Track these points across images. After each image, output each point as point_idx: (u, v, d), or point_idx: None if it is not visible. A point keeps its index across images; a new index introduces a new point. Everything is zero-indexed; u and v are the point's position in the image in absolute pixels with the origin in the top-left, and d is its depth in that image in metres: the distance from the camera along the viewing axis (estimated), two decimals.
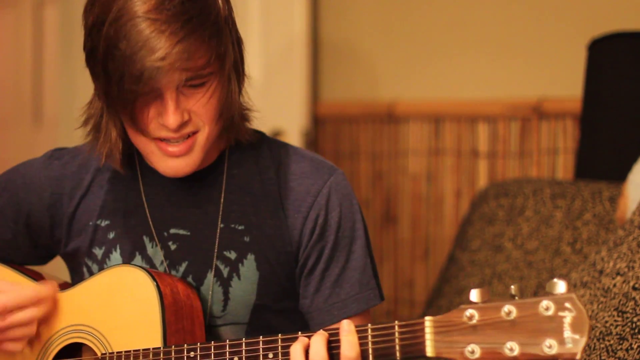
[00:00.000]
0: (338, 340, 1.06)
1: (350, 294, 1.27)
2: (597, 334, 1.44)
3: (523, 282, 1.95)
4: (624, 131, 2.05)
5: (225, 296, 1.27)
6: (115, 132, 1.23)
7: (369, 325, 1.04)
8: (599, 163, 2.09)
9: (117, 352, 1.21)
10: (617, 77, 2.08)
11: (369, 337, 1.04)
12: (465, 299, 1.99)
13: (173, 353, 1.16)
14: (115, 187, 1.31)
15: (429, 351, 0.98)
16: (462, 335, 0.95)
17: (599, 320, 1.45)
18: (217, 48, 1.15)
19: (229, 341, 1.13)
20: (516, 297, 0.94)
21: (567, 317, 0.90)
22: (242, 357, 1.12)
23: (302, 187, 1.27)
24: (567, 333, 0.90)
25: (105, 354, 1.22)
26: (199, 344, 1.15)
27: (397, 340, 1.01)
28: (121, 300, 1.23)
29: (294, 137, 2.58)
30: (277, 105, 2.54)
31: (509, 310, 0.92)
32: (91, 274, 1.30)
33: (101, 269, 1.29)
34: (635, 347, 1.39)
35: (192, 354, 1.15)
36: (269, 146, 1.32)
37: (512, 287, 0.94)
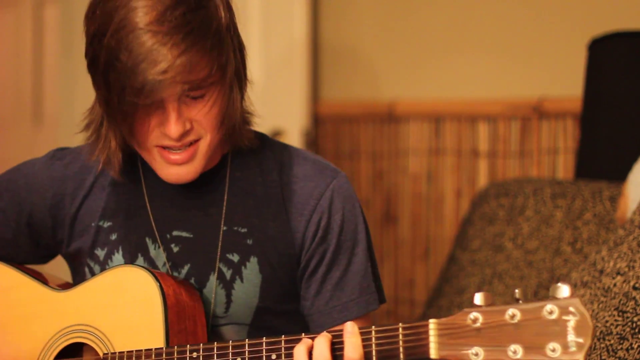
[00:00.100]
0: (342, 342, 1.07)
1: (351, 297, 1.27)
2: (598, 333, 1.44)
3: (523, 281, 1.95)
4: (624, 131, 2.06)
5: (227, 298, 1.27)
6: (114, 141, 1.23)
7: (373, 327, 1.05)
8: (599, 163, 2.09)
9: (119, 352, 1.21)
10: (617, 76, 2.08)
11: (373, 339, 1.04)
12: (466, 299, 2.00)
13: (175, 354, 1.16)
14: (118, 189, 1.31)
15: (433, 354, 0.98)
16: (466, 338, 0.95)
17: (600, 320, 1.45)
18: (218, 58, 1.15)
19: (232, 342, 1.13)
20: (520, 301, 0.94)
21: (571, 321, 0.90)
22: (245, 358, 1.12)
23: (305, 189, 1.27)
24: (571, 337, 0.90)
25: (107, 354, 1.22)
26: (201, 344, 1.15)
27: (400, 343, 1.01)
28: (124, 301, 1.23)
29: (294, 136, 2.58)
30: (277, 104, 2.54)
31: (513, 313, 0.93)
32: (93, 274, 1.30)
33: (103, 270, 1.29)
34: (635, 346, 1.39)
35: (194, 354, 1.15)
36: (271, 148, 1.32)
37: (517, 290, 0.94)
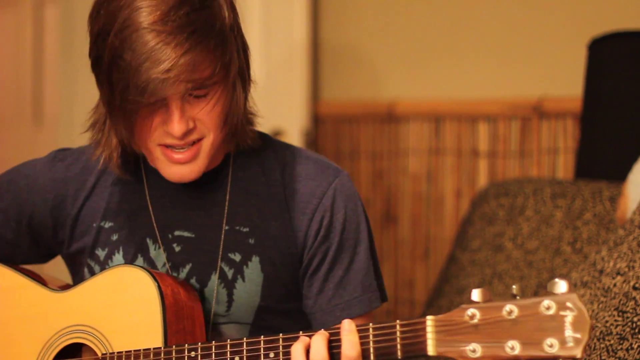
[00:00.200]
0: (339, 340, 1.07)
1: (353, 295, 1.27)
2: (598, 333, 1.44)
3: (523, 281, 1.95)
4: (624, 131, 2.06)
5: (229, 298, 1.27)
6: (116, 139, 1.23)
7: (370, 324, 1.05)
8: (599, 162, 2.09)
9: (118, 352, 1.21)
10: (618, 76, 2.08)
11: (370, 336, 1.04)
12: (466, 299, 1.99)
13: (174, 353, 1.16)
14: (120, 189, 1.31)
15: (431, 350, 0.98)
16: (464, 335, 0.95)
17: (599, 320, 1.45)
18: (222, 58, 1.15)
19: (230, 341, 1.13)
20: (517, 297, 0.94)
21: (569, 316, 0.90)
22: (243, 356, 1.12)
23: (307, 188, 1.27)
24: (568, 332, 0.90)
25: (105, 354, 1.22)
26: (199, 343, 1.15)
27: (398, 340, 1.01)
28: (122, 301, 1.23)
29: (294, 136, 2.58)
30: (277, 104, 2.54)
31: (510, 309, 0.93)
32: (93, 274, 1.30)
33: (103, 270, 1.29)
34: (635, 347, 1.39)
35: (193, 353, 1.15)
36: (273, 148, 1.32)
37: (514, 286, 0.94)
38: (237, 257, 1.27)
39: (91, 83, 1.22)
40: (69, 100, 2.70)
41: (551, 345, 0.90)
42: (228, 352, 1.12)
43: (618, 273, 1.48)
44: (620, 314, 1.43)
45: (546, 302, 0.90)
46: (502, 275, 1.99)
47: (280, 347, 1.10)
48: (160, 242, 1.28)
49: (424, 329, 0.99)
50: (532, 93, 2.33)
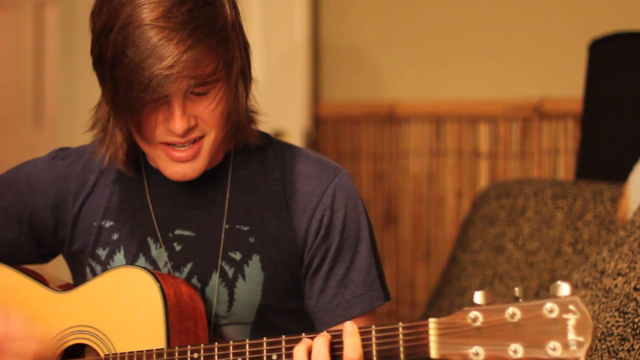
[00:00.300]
0: (341, 342, 1.06)
1: (355, 294, 1.27)
2: (599, 334, 1.44)
3: (524, 282, 1.95)
4: (625, 131, 2.06)
5: (230, 297, 1.27)
6: (121, 137, 1.24)
7: (373, 327, 1.05)
8: (600, 163, 2.09)
9: (121, 353, 1.21)
10: (618, 77, 2.09)
11: (373, 338, 1.04)
12: (467, 300, 2.00)
13: (176, 354, 1.16)
14: (120, 188, 1.31)
15: (433, 353, 0.98)
16: (466, 337, 0.95)
17: (601, 321, 1.45)
18: (224, 55, 1.16)
19: (233, 342, 1.13)
20: (520, 300, 0.94)
21: (571, 319, 0.90)
22: (245, 358, 1.12)
23: (307, 187, 1.28)
24: (571, 335, 0.90)
25: (108, 355, 1.22)
26: (202, 345, 1.15)
27: (401, 342, 1.01)
28: (124, 302, 1.23)
29: (295, 137, 2.58)
30: (278, 105, 2.54)
31: (513, 312, 0.93)
32: (94, 274, 1.30)
33: (104, 269, 1.30)
34: (636, 347, 1.39)
35: (195, 355, 1.15)
36: (273, 147, 1.32)
37: (516, 289, 0.94)
38: (237, 256, 1.27)
39: (92, 84, 1.22)
40: (70, 101, 2.70)
41: (554, 348, 0.90)
42: (231, 354, 1.12)
43: (619, 274, 1.48)
44: (622, 314, 1.43)
45: (549, 304, 0.90)
46: (503, 276, 1.99)
47: (283, 348, 1.10)
48: (161, 241, 1.29)
49: (426, 332, 0.99)
50: (532, 94, 2.33)
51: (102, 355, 1.23)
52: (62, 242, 1.34)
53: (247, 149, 1.30)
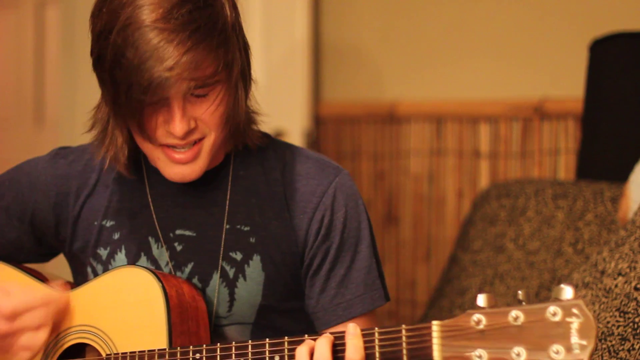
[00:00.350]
0: (344, 344, 1.06)
1: (355, 294, 1.27)
2: (599, 334, 1.44)
3: (525, 282, 1.95)
4: (625, 131, 2.06)
5: (230, 297, 1.27)
6: (121, 138, 1.23)
7: (376, 328, 1.05)
8: (600, 163, 2.09)
9: (122, 353, 1.21)
10: (619, 77, 2.09)
11: (376, 340, 1.04)
12: (467, 300, 2.00)
13: (179, 354, 1.16)
14: (121, 188, 1.31)
15: (436, 356, 0.98)
16: (470, 340, 0.95)
17: (601, 321, 1.45)
18: (224, 56, 1.15)
19: (235, 343, 1.13)
20: (523, 303, 0.94)
21: (575, 322, 0.90)
22: (248, 359, 1.12)
23: (307, 187, 1.28)
24: (575, 339, 0.90)
25: (110, 354, 1.22)
26: (204, 345, 1.15)
27: (404, 345, 1.01)
28: (127, 302, 1.23)
29: (295, 137, 2.58)
30: (279, 105, 2.54)
31: (516, 315, 0.93)
32: (95, 274, 1.30)
33: (106, 269, 1.30)
34: (637, 347, 1.40)
35: (197, 355, 1.15)
36: (274, 147, 1.32)
37: (520, 292, 0.94)
38: (238, 256, 1.27)
39: (92, 84, 1.22)
40: (70, 101, 2.71)
41: (557, 351, 0.90)
42: (233, 355, 1.13)
43: (619, 274, 1.48)
44: (622, 314, 1.43)
45: (552, 308, 0.91)
46: (504, 276, 1.99)
47: (286, 350, 1.10)
48: (162, 240, 1.29)
49: (429, 334, 0.99)
50: (533, 94, 2.33)
51: (103, 355, 1.23)
52: (63, 241, 1.34)
53: (247, 149, 1.30)
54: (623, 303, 1.44)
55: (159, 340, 1.19)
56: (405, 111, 2.55)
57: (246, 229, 1.27)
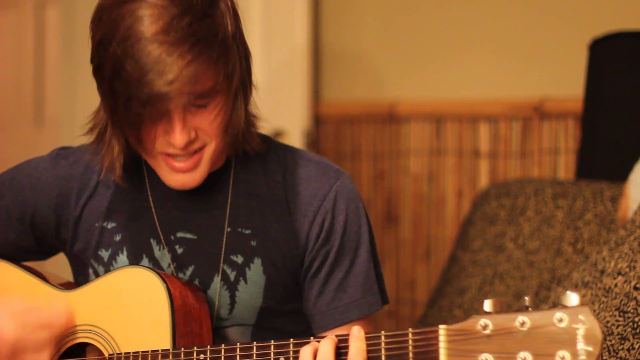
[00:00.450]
0: (347, 347, 1.07)
1: (353, 298, 1.27)
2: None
3: (524, 282, 1.95)
4: (625, 131, 2.06)
5: (231, 300, 1.27)
6: (118, 147, 1.23)
7: (383, 332, 1.05)
8: (600, 163, 2.10)
9: (125, 353, 1.21)
10: (619, 77, 2.09)
11: (382, 343, 1.04)
12: (467, 299, 2.01)
13: (182, 355, 1.16)
14: (122, 189, 1.31)
15: None
16: (476, 345, 0.95)
17: (601, 320, 1.46)
18: (225, 68, 1.15)
19: (240, 344, 1.13)
20: (530, 308, 0.95)
21: (581, 329, 0.91)
22: None
23: (308, 191, 1.28)
24: (580, 345, 0.91)
25: (112, 354, 1.22)
26: (209, 346, 1.15)
27: (410, 348, 1.02)
28: (130, 302, 1.23)
29: (295, 137, 2.58)
30: (278, 105, 2.54)
31: (522, 321, 0.93)
32: (97, 275, 1.31)
33: (107, 270, 1.30)
34: (636, 347, 1.40)
35: (201, 356, 1.15)
36: (275, 150, 1.32)
37: (526, 298, 0.95)
38: (239, 259, 1.27)
39: (92, 84, 1.21)
40: (70, 101, 2.70)
41: (563, 357, 0.90)
42: (238, 356, 1.13)
43: (619, 273, 1.48)
44: (622, 314, 1.43)
45: (559, 314, 0.91)
46: (503, 275, 1.99)
47: (291, 352, 1.11)
48: (164, 242, 1.29)
49: (436, 338, 0.99)
50: (533, 93, 2.33)
51: (106, 354, 1.23)
52: (64, 242, 1.34)
53: (248, 153, 1.30)
54: (623, 302, 1.44)
55: (162, 340, 1.19)
56: (405, 111, 2.55)
57: (247, 232, 1.28)
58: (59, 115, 2.89)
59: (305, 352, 1.09)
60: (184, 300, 1.22)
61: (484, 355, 0.94)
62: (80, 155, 1.34)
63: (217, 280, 1.27)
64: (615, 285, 1.47)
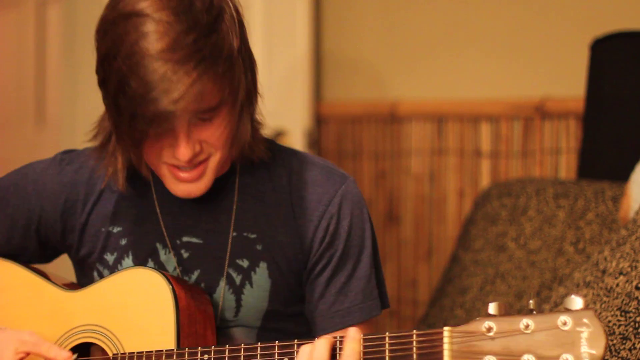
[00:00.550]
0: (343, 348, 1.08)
1: (354, 302, 1.28)
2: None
3: (526, 281, 1.95)
4: (626, 131, 2.06)
5: (237, 303, 1.28)
6: (121, 159, 1.24)
7: (387, 333, 1.05)
8: (601, 163, 2.10)
9: (129, 353, 1.21)
10: (620, 76, 2.09)
11: (387, 345, 1.04)
12: (468, 299, 2.01)
13: (186, 355, 1.16)
14: (128, 194, 1.31)
15: None
16: (480, 347, 0.96)
17: (602, 320, 1.46)
18: (230, 83, 1.14)
19: (244, 345, 1.14)
20: (534, 311, 0.95)
21: (585, 332, 0.91)
22: None
23: (314, 195, 1.28)
24: (584, 348, 0.91)
25: (117, 354, 1.22)
26: (213, 347, 1.16)
27: (414, 349, 1.02)
28: (135, 302, 1.23)
29: (296, 137, 2.58)
30: (280, 105, 2.54)
31: (527, 323, 0.94)
32: (102, 278, 1.31)
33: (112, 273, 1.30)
34: (638, 346, 1.40)
35: (206, 356, 1.15)
36: (280, 154, 1.32)
37: (531, 301, 0.95)
38: (244, 263, 1.27)
39: (93, 84, 1.21)
40: (71, 101, 2.70)
41: None
42: (242, 356, 1.13)
43: (621, 273, 1.48)
44: (623, 313, 1.44)
45: (563, 317, 0.92)
46: (505, 275, 2.00)
47: (295, 352, 1.11)
48: (170, 246, 1.29)
49: (440, 340, 0.99)
50: (534, 93, 2.33)
51: (110, 354, 1.23)
52: (70, 246, 1.34)
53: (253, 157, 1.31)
54: (624, 302, 1.44)
55: (166, 341, 1.19)
56: (407, 110, 2.55)
57: (253, 236, 1.28)
58: (60, 115, 2.89)
59: (304, 351, 1.09)
60: (188, 302, 1.22)
61: (487, 357, 0.95)
62: (85, 160, 1.33)
63: (222, 284, 1.27)
64: (617, 285, 1.47)
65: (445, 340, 0.99)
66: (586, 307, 0.92)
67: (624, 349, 1.42)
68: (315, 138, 2.66)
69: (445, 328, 0.99)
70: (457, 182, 2.48)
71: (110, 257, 1.30)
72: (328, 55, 2.71)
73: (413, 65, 2.56)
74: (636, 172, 1.80)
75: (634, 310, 1.42)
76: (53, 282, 1.32)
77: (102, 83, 1.16)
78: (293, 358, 1.11)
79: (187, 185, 1.21)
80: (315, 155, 1.53)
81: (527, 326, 0.93)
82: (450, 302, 2.06)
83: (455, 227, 2.46)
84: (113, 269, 1.30)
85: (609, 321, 1.45)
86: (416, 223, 2.56)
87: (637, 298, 1.43)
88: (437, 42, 2.51)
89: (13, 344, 1.23)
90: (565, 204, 1.98)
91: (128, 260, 1.29)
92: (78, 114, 2.50)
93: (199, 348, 1.16)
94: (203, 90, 1.11)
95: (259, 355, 1.12)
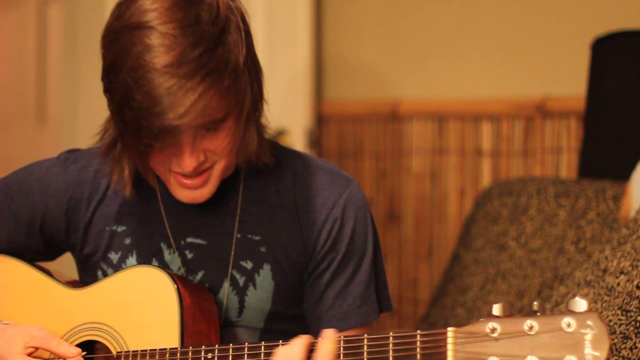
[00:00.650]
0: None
1: (352, 306, 1.28)
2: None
3: (527, 281, 1.96)
4: (627, 130, 2.06)
5: (240, 305, 1.28)
6: (127, 170, 1.24)
7: (391, 333, 1.05)
8: (602, 162, 2.10)
9: (133, 351, 1.21)
10: (621, 75, 2.09)
11: (390, 345, 1.05)
12: (469, 298, 2.01)
13: (190, 354, 1.17)
14: (132, 193, 1.31)
15: None
16: (484, 347, 0.96)
17: (603, 319, 1.46)
18: (236, 96, 1.14)
19: (248, 344, 1.14)
20: (538, 313, 0.95)
21: (589, 334, 0.92)
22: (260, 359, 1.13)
23: (318, 198, 1.28)
24: (588, 350, 0.91)
25: (120, 352, 1.22)
26: (217, 345, 1.16)
27: (418, 350, 1.02)
28: (139, 300, 1.23)
29: (298, 136, 2.59)
30: (281, 104, 2.54)
31: (531, 325, 0.94)
32: (105, 276, 1.31)
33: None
34: (639, 346, 1.40)
35: (209, 355, 1.15)
36: (285, 157, 1.32)
37: (535, 303, 0.95)
38: (248, 265, 1.28)
39: (94, 83, 1.22)
40: (72, 99, 2.69)
41: None
42: (245, 355, 1.13)
43: (622, 272, 1.49)
44: (624, 313, 1.44)
45: (567, 319, 0.92)
46: (506, 274, 2.00)
47: None
48: (174, 246, 1.29)
49: (444, 340, 1.00)
50: (535, 92, 2.33)
51: (114, 352, 1.23)
52: (74, 245, 1.34)
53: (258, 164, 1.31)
54: (625, 301, 1.44)
55: (170, 339, 1.20)
56: (408, 110, 2.55)
57: (257, 238, 1.28)
58: (61, 114, 2.88)
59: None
60: (193, 300, 1.22)
61: (491, 358, 0.95)
62: (89, 159, 1.33)
63: (226, 285, 1.27)
64: (618, 284, 1.48)
65: (449, 340, 0.99)
66: (590, 309, 0.92)
67: (625, 348, 1.42)
68: (316, 137, 2.66)
69: (450, 329, 0.99)
70: (458, 181, 2.48)
71: (114, 256, 1.31)
72: (329, 54, 2.71)
73: (414, 64, 2.56)
74: (637, 171, 1.80)
75: (635, 310, 1.42)
76: (57, 280, 1.32)
77: (108, 92, 1.16)
78: None
79: (191, 191, 1.21)
80: (318, 156, 1.53)
81: (531, 327, 0.94)
82: (451, 301, 2.07)
83: (456, 226, 2.46)
84: (117, 267, 1.30)
85: (610, 320, 1.45)
86: (417, 222, 2.56)
87: (638, 297, 1.43)
88: (438, 41, 2.51)
89: (23, 339, 1.23)
90: (566, 203, 1.98)
91: (132, 259, 1.30)
92: (79, 113, 2.50)
93: (203, 347, 1.17)
94: (208, 105, 1.10)
95: (262, 355, 1.12)
